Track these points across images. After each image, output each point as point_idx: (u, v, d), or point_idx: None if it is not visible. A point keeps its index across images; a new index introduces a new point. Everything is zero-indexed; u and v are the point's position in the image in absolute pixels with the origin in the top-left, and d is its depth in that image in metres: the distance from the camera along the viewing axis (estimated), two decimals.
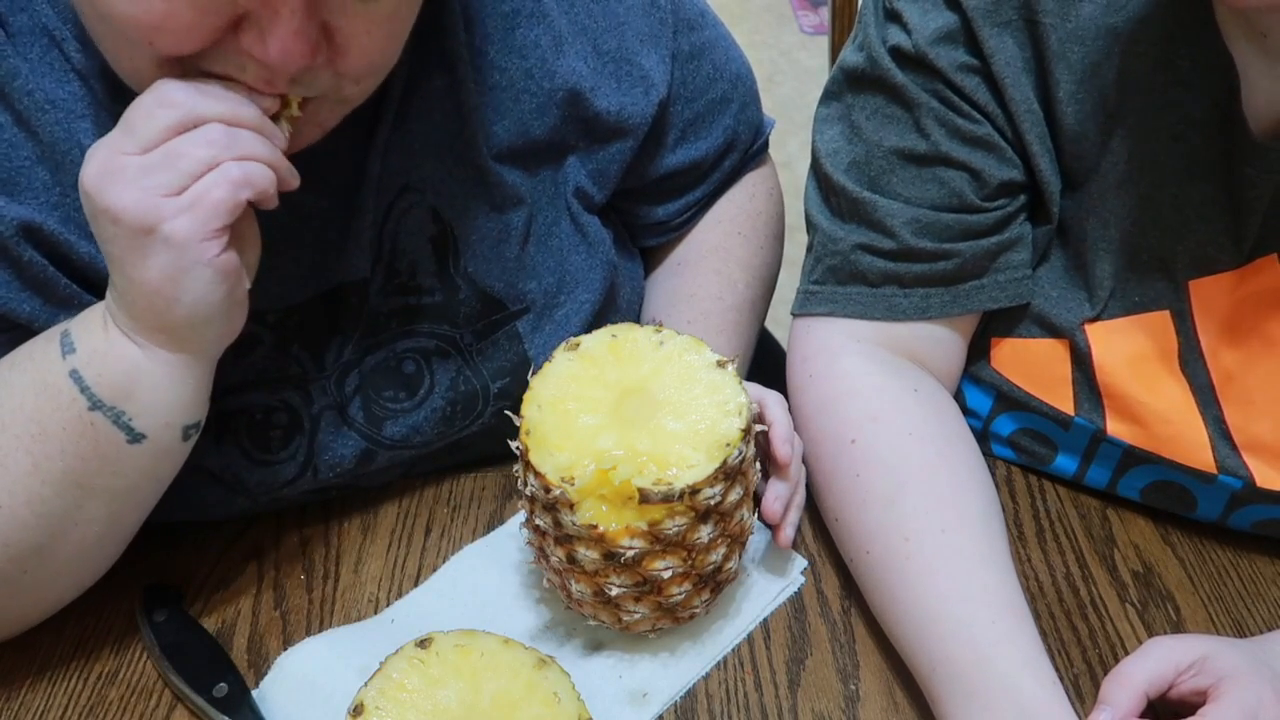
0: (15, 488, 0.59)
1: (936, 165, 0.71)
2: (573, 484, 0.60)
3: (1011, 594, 0.62)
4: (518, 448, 0.63)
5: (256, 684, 0.66)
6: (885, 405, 0.70)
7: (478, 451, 0.79)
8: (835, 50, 1.15)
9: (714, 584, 0.66)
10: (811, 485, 0.73)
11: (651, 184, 0.82)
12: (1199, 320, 0.68)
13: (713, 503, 0.61)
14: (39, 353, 0.59)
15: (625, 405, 0.63)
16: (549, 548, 0.64)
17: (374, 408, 0.72)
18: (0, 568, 0.60)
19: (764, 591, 0.72)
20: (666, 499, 0.59)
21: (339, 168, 0.67)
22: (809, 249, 0.79)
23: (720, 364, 0.64)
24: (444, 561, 0.74)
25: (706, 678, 0.68)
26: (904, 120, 0.71)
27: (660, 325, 0.67)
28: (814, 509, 0.77)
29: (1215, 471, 0.69)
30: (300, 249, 0.68)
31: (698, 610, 0.67)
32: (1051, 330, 0.73)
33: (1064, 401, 0.73)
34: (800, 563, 0.73)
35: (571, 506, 0.60)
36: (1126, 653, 0.68)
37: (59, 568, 0.63)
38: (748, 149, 0.88)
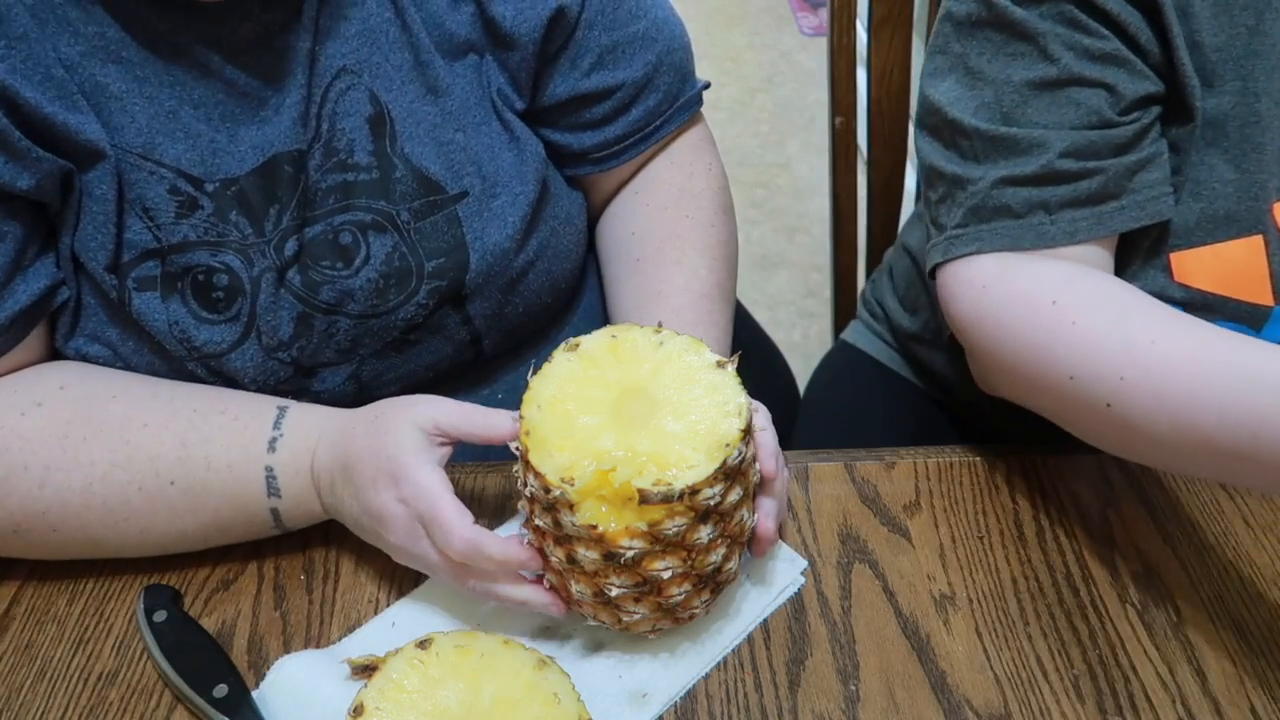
0: (168, 534, 0.71)
1: (1070, 87, 0.72)
2: (573, 484, 0.60)
3: None
4: (517, 448, 0.63)
5: (256, 684, 0.66)
6: (1071, 272, 0.71)
7: (429, 354, 0.81)
8: (834, 52, 1.15)
9: (714, 584, 0.66)
10: (1018, 371, 0.72)
11: (568, 105, 0.84)
12: None
13: (712, 503, 0.61)
14: (240, 473, 0.69)
15: (625, 406, 0.63)
16: (549, 548, 0.64)
17: (311, 273, 0.75)
18: (85, 549, 0.71)
19: (764, 592, 0.72)
20: (666, 499, 0.59)
21: (270, 48, 0.71)
22: (940, 200, 0.78)
23: (720, 364, 0.64)
24: None
25: (706, 678, 0.68)
26: (1029, 53, 0.72)
27: (660, 326, 0.67)
28: (814, 510, 0.77)
29: None
30: (235, 124, 0.71)
31: (698, 611, 0.67)
32: (1239, 228, 0.73)
33: (1263, 295, 0.74)
34: (800, 563, 0.73)
35: (571, 507, 0.60)
36: (1126, 653, 0.68)
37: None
38: (674, 97, 0.88)
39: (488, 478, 0.80)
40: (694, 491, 0.59)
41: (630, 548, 0.61)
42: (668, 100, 0.88)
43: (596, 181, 0.91)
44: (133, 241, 0.70)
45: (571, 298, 0.92)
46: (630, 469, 0.59)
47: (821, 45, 3.02)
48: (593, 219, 0.94)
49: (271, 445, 0.70)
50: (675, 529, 0.60)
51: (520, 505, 0.66)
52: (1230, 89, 0.73)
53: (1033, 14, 0.72)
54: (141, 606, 0.69)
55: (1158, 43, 0.72)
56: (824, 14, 3.08)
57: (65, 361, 0.74)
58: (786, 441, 0.67)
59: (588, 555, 0.62)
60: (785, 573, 0.73)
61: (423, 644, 0.62)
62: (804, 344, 2.17)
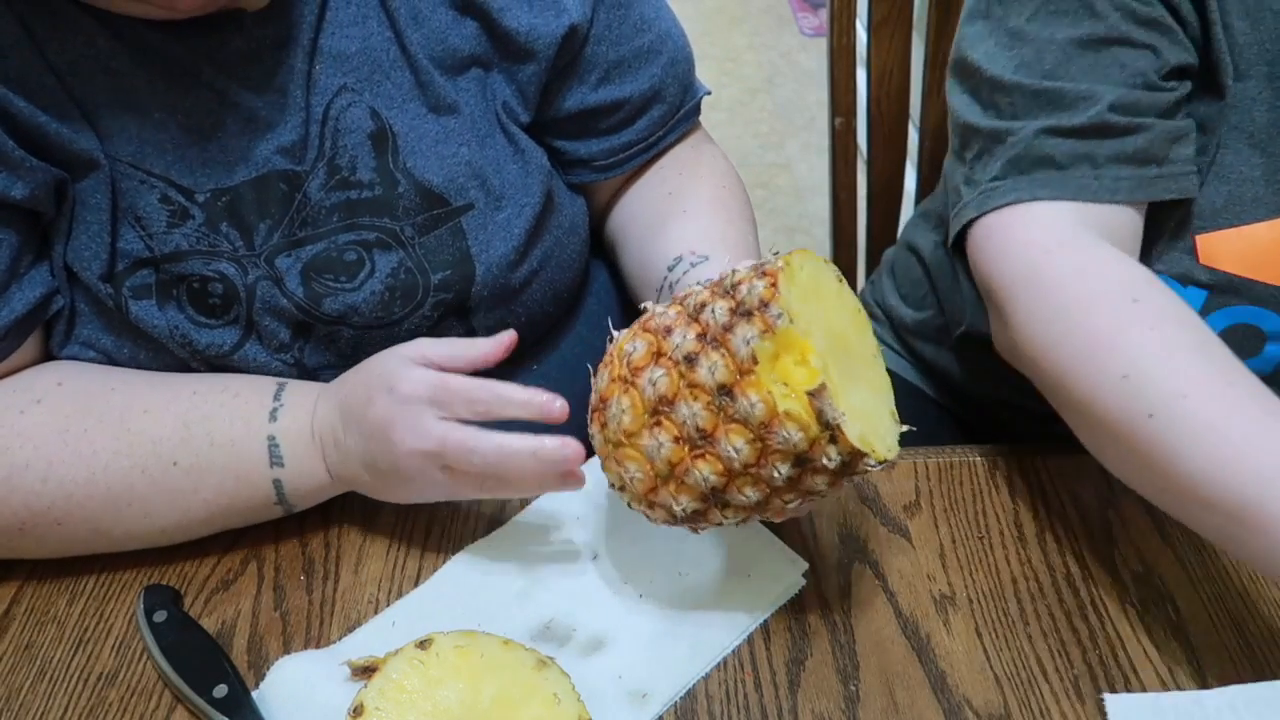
0: (171, 516, 0.70)
1: (1116, 46, 0.71)
2: (789, 320, 0.55)
3: None
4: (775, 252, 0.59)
5: (256, 685, 0.66)
6: (1150, 274, 0.68)
7: None
8: (835, 52, 1.15)
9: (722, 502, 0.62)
10: (1070, 347, 0.67)
11: (576, 118, 0.84)
12: None
13: (828, 466, 0.57)
14: (241, 447, 0.70)
15: (836, 348, 0.59)
16: (616, 404, 0.60)
17: (315, 285, 0.75)
18: (90, 541, 0.71)
19: (764, 592, 0.72)
20: (825, 420, 0.55)
21: (261, 62, 0.71)
22: (976, 156, 0.76)
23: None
24: (444, 562, 0.74)
25: (706, 678, 0.68)
26: (1074, 9, 0.72)
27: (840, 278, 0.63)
28: (814, 510, 0.77)
29: None
30: (226, 136, 0.71)
31: (725, 520, 0.63)
32: (1266, 210, 0.74)
33: None
34: (800, 564, 0.73)
35: (767, 323, 0.56)
36: (1127, 653, 0.68)
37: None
38: (677, 106, 0.89)
39: None
40: (853, 455, 0.56)
41: (757, 414, 0.56)
42: (671, 111, 0.88)
43: (596, 186, 0.91)
44: (126, 250, 0.70)
45: (573, 306, 0.92)
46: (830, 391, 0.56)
47: (821, 45, 3.02)
48: (594, 221, 0.94)
49: (272, 415, 0.70)
50: (784, 440, 0.56)
51: (616, 336, 0.63)
52: (1258, 74, 0.73)
53: None
54: (141, 606, 0.69)
55: (1196, 15, 0.72)
56: (824, 14, 3.08)
57: (60, 361, 0.74)
58: None
59: (710, 372, 0.57)
60: (785, 573, 0.73)
61: (423, 644, 0.63)
62: None
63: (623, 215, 0.92)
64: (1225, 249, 0.75)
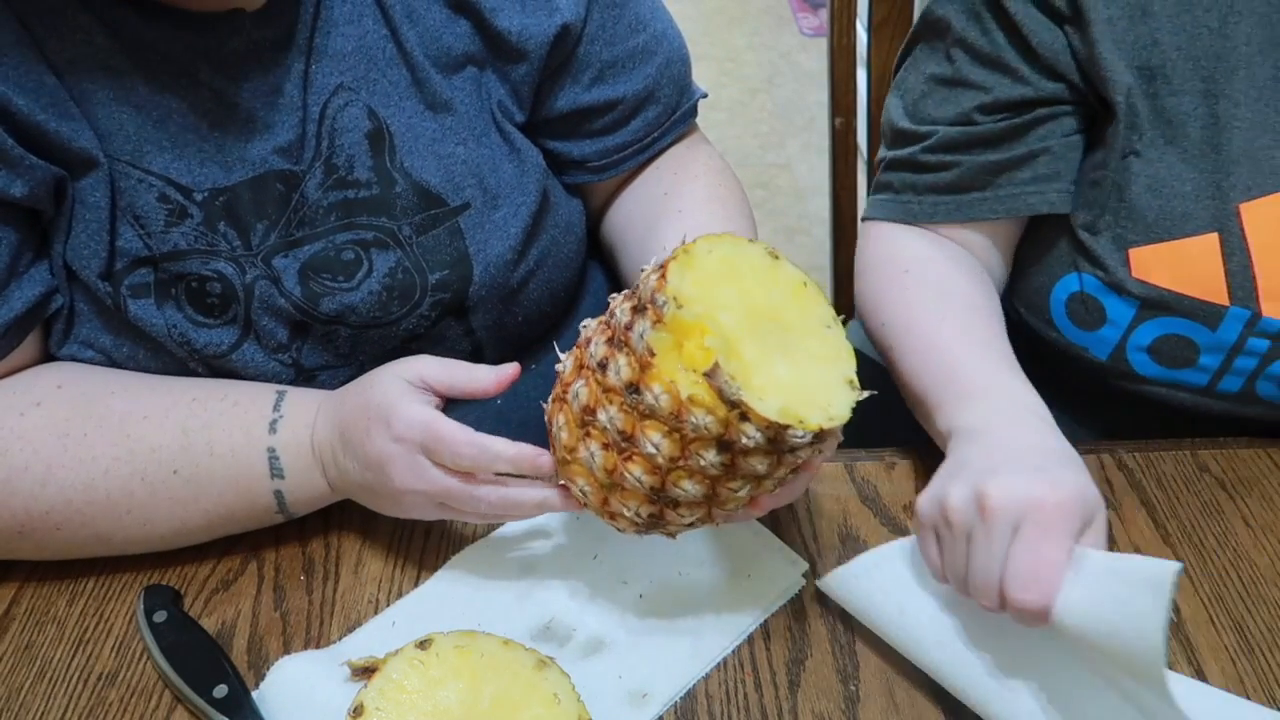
0: (171, 524, 0.70)
1: (956, 87, 0.81)
2: (681, 308, 0.55)
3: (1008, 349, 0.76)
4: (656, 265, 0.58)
5: (256, 685, 0.66)
6: (937, 251, 0.83)
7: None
8: (835, 52, 1.15)
9: (710, 509, 0.62)
10: (867, 310, 0.84)
11: (569, 117, 0.84)
12: None
13: (748, 444, 0.56)
14: (241, 457, 0.70)
15: (758, 320, 0.59)
16: (559, 426, 0.60)
17: (312, 285, 0.75)
18: (90, 547, 0.71)
19: (764, 593, 0.72)
20: (729, 399, 0.54)
21: (260, 63, 0.71)
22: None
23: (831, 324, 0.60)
24: (444, 563, 0.74)
25: (706, 678, 0.68)
26: (940, 49, 0.82)
27: (775, 251, 0.62)
28: (815, 510, 0.77)
29: None
30: (224, 135, 0.72)
31: (685, 523, 0.63)
32: (1195, 225, 0.75)
33: (1218, 294, 0.75)
34: (800, 564, 0.73)
35: (660, 321, 0.55)
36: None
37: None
38: (673, 108, 0.89)
39: None
40: (773, 429, 0.54)
41: (660, 402, 0.56)
42: (667, 112, 0.88)
43: (593, 187, 0.91)
44: (124, 249, 0.70)
45: (570, 306, 0.92)
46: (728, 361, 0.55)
47: (821, 45, 3.02)
48: (591, 222, 0.94)
49: (272, 427, 0.70)
50: (698, 424, 0.56)
51: (562, 361, 0.63)
52: (1191, 89, 0.74)
53: (951, 8, 0.80)
54: (141, 607, 0.69)
55: (1069, 46, 0.76)
56: (824, 14, 3.09)
57: (60, 362, 0.74)
58: None
59: (609, 414, 0.57)
60: (785, 573, 0.73)
61: (423, 644, 0.63)
62: None
63: (619, 217, 0.91)
64: (1157, 263, 0.77)
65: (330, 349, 0.78)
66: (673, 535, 0.65)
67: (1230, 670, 0.67)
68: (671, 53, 0.87)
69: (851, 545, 0.75)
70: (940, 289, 0.80)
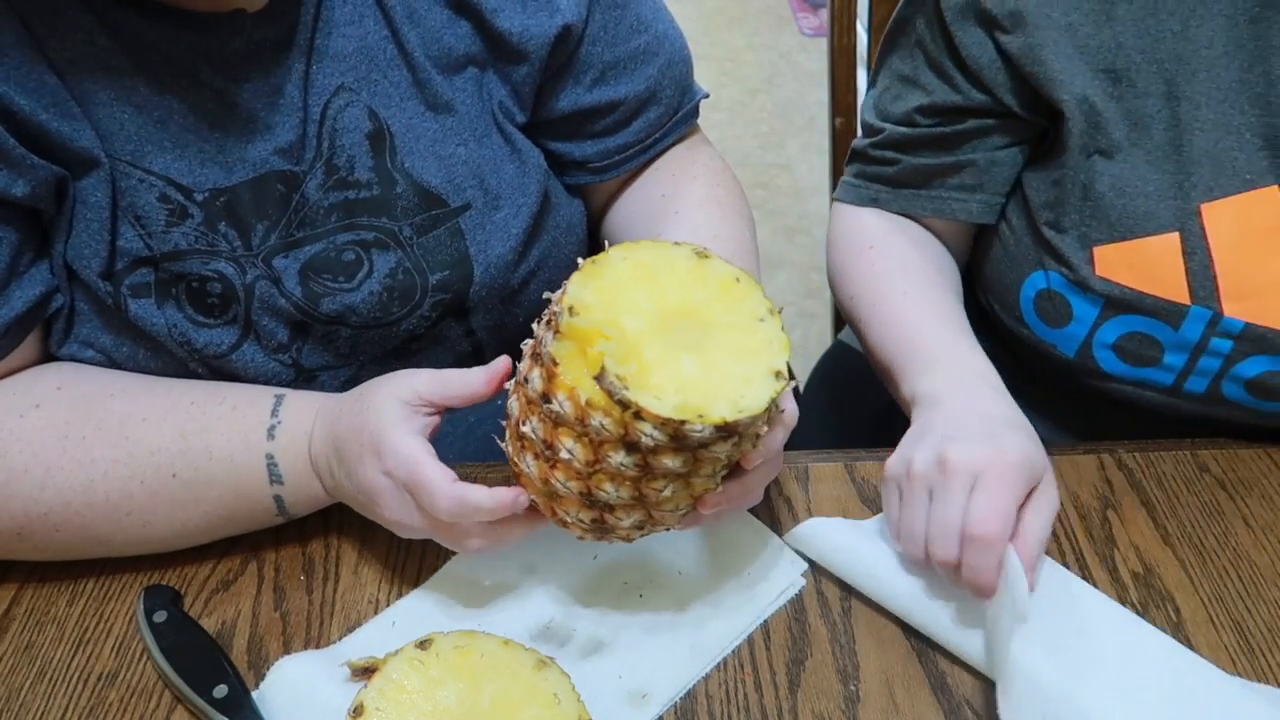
0: (171, 526, 0.70)
1: (908, 84, 0.86)
2: (575, 315, 0.57)
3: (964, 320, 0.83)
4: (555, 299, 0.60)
5: (256, 685, 0.66)
6: (898, 227, 0.89)
7: (429, 363, 0.81)
8: (835, 52, 1.15)
9: (650, 512, 0.62)
10: (838, 283, 0.91)
11: (571, 118, 0.84)
12: None
13: (642, 445, 0.57)
14: (240, 463, 0.69)
15: (670, 322, 0.60)
16: (525, 463, 0.61)
17: (313, 285, 0.75)
18: (90, 549, 0.71)
19: (764, 593, 0.72)
20: (614, 396, 0.56)
21: (260, 64, 0.71)
22: None
23: (772, 312, 0.60)
24: (444, 562, 0.74)
25: (706, 678, 0.68)
26: (905, 44, 0.86)
27: (706, 250, 0.63)
28: (815, 510, 0.77)
29: None
30: (224, 135, 0.72)
31: (635, 531, 0.64)
32: (1157, 225, 0.76)
33: (1179, 293, 0.76)
34: (800, 564, 0.73)
35: (557, 333, 0.57)
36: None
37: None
38: (674, 109, 0.89)
39: (488, 478, 0.80)
40: (670, 426, 0.55)
41: (563, 409, 0.58)
42: (668, 113, 0.88)
43: (594, 188, 0.91)
44: (125, 249, 0.70)
45: None
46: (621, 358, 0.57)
47: (821, 46, 3.02)
48: (592, 223, 0.94)
49: (270, 433, 0.70)
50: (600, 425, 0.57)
51: (510, 392, 0.63)
52: (1155, 91, 0.76)
53: (919, 17, 0.84)
54: (141, 607, 0.69)
55: (1003, 57, 0.79)
56: (824, 14, 3.09)
57: (60, 363, 0.74)
58: (786, 442, 0.67)
59: (559, 416, 0.58)
60: (785, 573, 0.73)
61: (423, 644, 0.62)
62: (804, 345, 2.17)
63: (619, 218, 0.91)
64: (1120, 261, 0.78)
65: (330, 349, 0.77)
66: (628, 540, 0.65)
67: (1230, 670, 0.67)
68: (673, 53, 0.87)
69: None
70: (902, 262, 0.86)
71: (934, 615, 0.68)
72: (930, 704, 0.66)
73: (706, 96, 0.93)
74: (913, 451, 0.69)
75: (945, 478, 0.66)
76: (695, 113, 0.92)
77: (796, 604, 0.72)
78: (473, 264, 0.78)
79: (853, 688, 0.67)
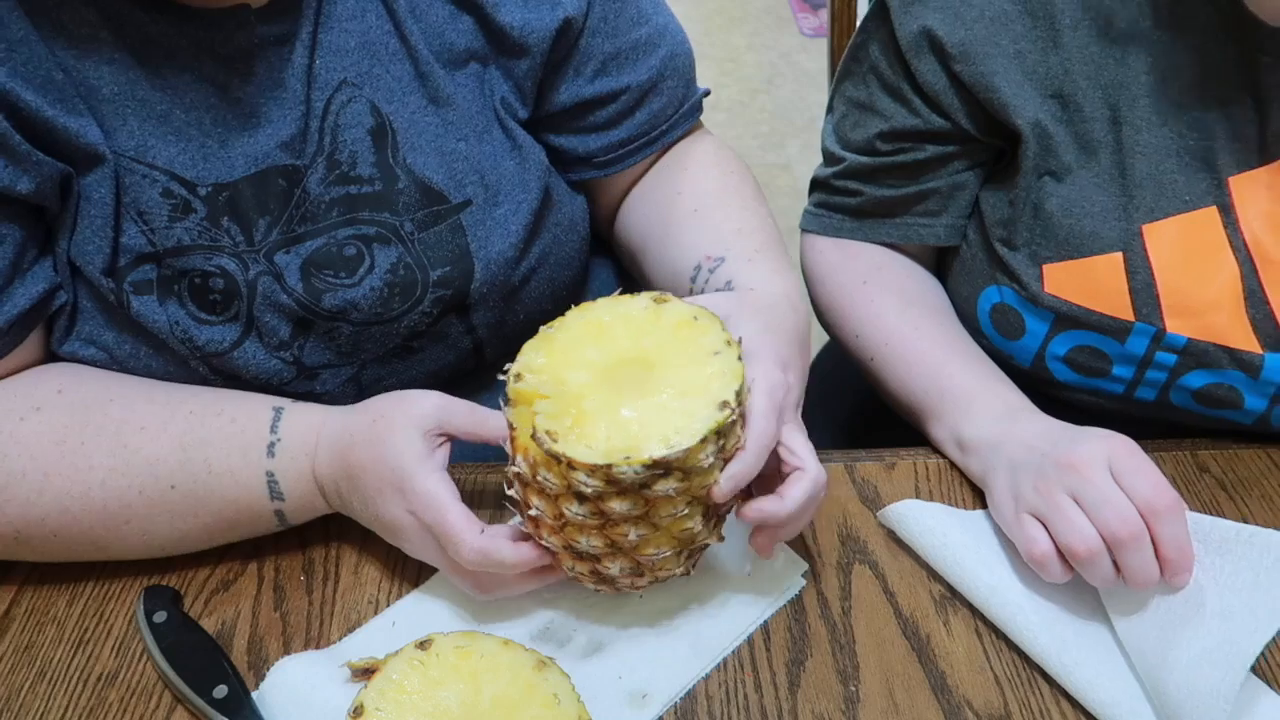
0: (170, 535, 0.70)
1: (865, 111, 0.87)
2: (520, 380, 0.62)
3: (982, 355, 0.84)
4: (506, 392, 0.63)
5: (256, 685, 0.66)
6: (885, 258, 0.90)
7: (430, 361, 0.82)
8: (835, 53, 1.15)
9: (687, 547, 0.65)
10: (833, 320, 0.92)
11: (572, 110, 0.84)
12: (1240, 212, 0.76)
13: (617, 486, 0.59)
14: (241, 478, 0.69)
15: (618, 371, 0.62)
16: (537, 509, 0.63)
17: (314, 281, 0.75)
18: (88, 553, 0.71)
19: (764, 593, 0.72)
20: (551, 455, 0.59)
21: (264, 58, 0.71)
22: None
23: (729, 343, 0.62)
24: None
25: (706, 679, 0.68)
26: (859, 72, 0.87)
27: (664, 295, 0.66)
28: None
29: (1261, 351, 0.76)
30: (227, 130, 0.72)
31: (677, 571, 0.66)
32: (1102, 245, 0.78)
33: (1124, 310, 0.78)
34: (800, 565, 0.73)
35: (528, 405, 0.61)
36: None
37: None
38: (679, 102, 0.88)
39: (488, 477, 0.80)
40: (600, 471, 0.58)
41: (549, 483, 0.60)
42: (672, 105, 0.88)
43: (604, 186, 0.91)
44: (128, 246, 0.70)
45: (573, 304, 0.92)
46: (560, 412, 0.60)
47: (822, 46, 3.02)
48: (603, 223, 0.94)
49: (270, 450, 0.70)
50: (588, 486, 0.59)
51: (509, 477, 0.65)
52: (1100, 116, 0.78)
53: (872, 43, 0.85)
54: (141, 607, 0.69)
55: (955, 83, 0.80)
56: (824, 15, 3.09)
57: (62, 364, 0.74)
58: None
59: (549, 479, 0.60)
60: (785, 574, 0.73)
61: (423, 644, 0.63)
62: None
63: (635, 219, 0.91)
64: (1067, 279, 0.80)
65: (332, 347, 0.77)
66: (635, 589, 0.68)
67: None
68: (675, 45, 0.87)
69: (851, 545, 0.75)
70: (902, 296, 0.87)
71: (1012, 612, 0.69)
72: (930, 704, 0.66)
73: (707, 94, 0.93)
74: (1020, 490, 0.70)
75: (1083, 474, 0.66)
76: (699, 108, 0.91)
77: (796, 604, 0.72)
78: (474, 260, 0.78)
79: (853, 688, 0.67)
